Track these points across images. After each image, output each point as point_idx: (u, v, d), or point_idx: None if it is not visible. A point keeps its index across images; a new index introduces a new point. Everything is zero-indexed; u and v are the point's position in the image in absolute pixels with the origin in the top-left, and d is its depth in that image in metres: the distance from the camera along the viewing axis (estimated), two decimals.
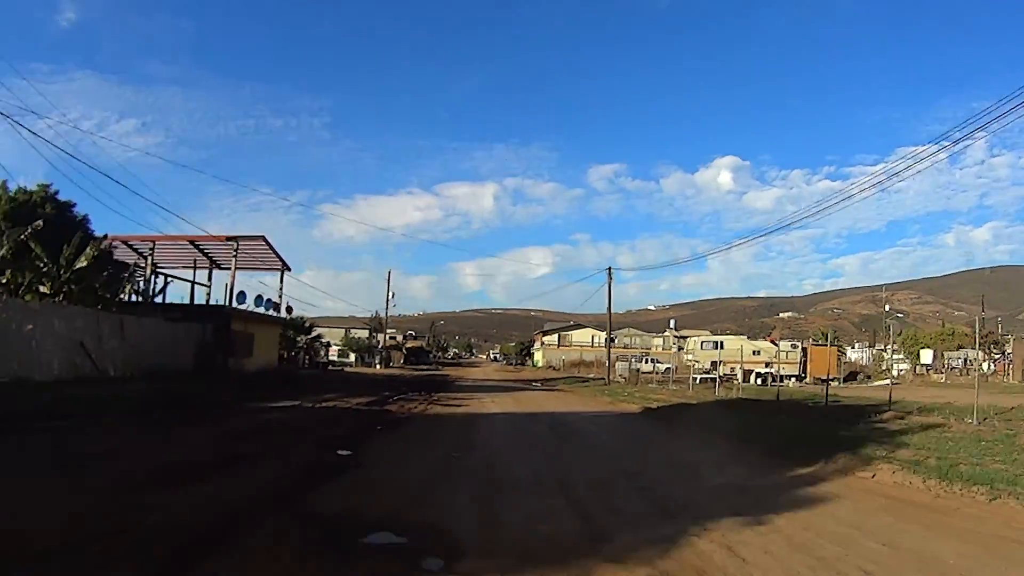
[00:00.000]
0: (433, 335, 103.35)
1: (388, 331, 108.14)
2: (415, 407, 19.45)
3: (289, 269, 40.35)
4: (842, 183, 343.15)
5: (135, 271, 29.23)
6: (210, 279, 39.85)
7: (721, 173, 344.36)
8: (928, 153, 18.44)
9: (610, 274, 39.53)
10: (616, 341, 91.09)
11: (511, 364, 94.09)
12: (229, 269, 41.51)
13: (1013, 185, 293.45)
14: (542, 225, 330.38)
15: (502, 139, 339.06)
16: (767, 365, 46.88)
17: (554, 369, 70.61)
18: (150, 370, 22.90)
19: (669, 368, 52.41)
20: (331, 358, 64.59)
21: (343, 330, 75.86)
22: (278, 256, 38.80)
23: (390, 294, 63.21)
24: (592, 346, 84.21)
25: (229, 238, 32.74)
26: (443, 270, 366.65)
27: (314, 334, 49.45)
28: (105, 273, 24.84)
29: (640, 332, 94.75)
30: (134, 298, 30.39)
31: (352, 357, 65.42)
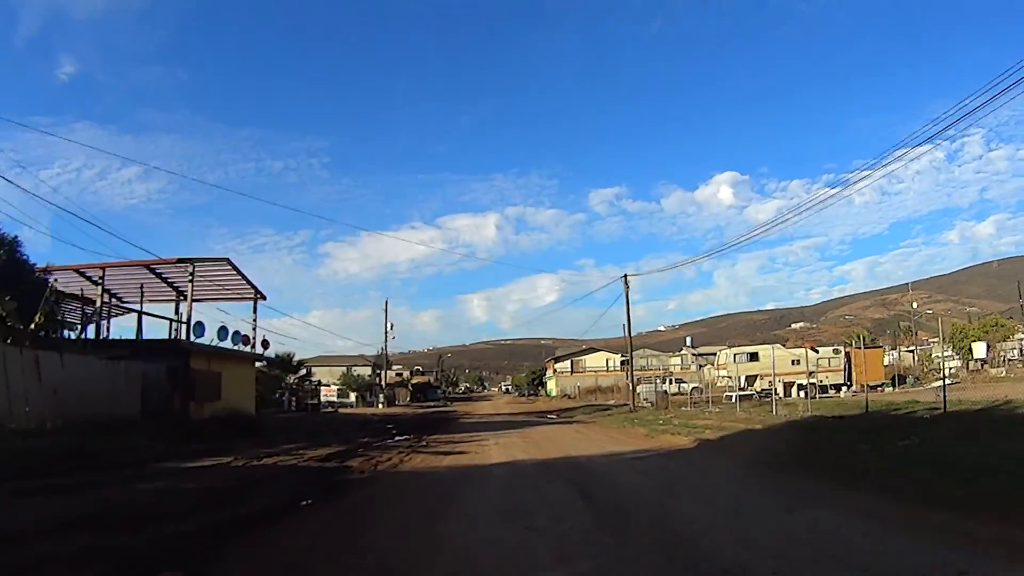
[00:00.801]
0: (441, 369, 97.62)
1: (394, 368, 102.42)
2: (389, 459, 13.86)
3: (263, 297, 35.08)
4: (841, 188, 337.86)
5: (60, 300, 23.84)
6: (177, 312, 34.69)
7: (721, 189, 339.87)
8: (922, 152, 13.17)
9: (626, 282, 34.22)
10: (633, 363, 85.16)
11: (523, 395, 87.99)
12: (197, 300, 36.62)
13: (1013, 177, 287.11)
14: (546, 252, 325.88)
15: (501, 169, 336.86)
16: (809, 375, 40.97)
17: (569, 398, 64.58)
18: (82, 419, 17.60)
19: (698, 387, 46.51)
20: (330, 398, 59.12)
21: (346, 368, 70.25)
22: (248, 283, 33.56)
23: (388, 325, 57.84)
24: (607, 370, 78.17)
25: (182, 260, 27.52)
26: (450, 303, 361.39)
27: (303, 372, 43.91)
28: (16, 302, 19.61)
29: (656, 352, 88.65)
30: (67, 334, 25.20)
31: (352, 397, 59.77)
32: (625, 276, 34.36)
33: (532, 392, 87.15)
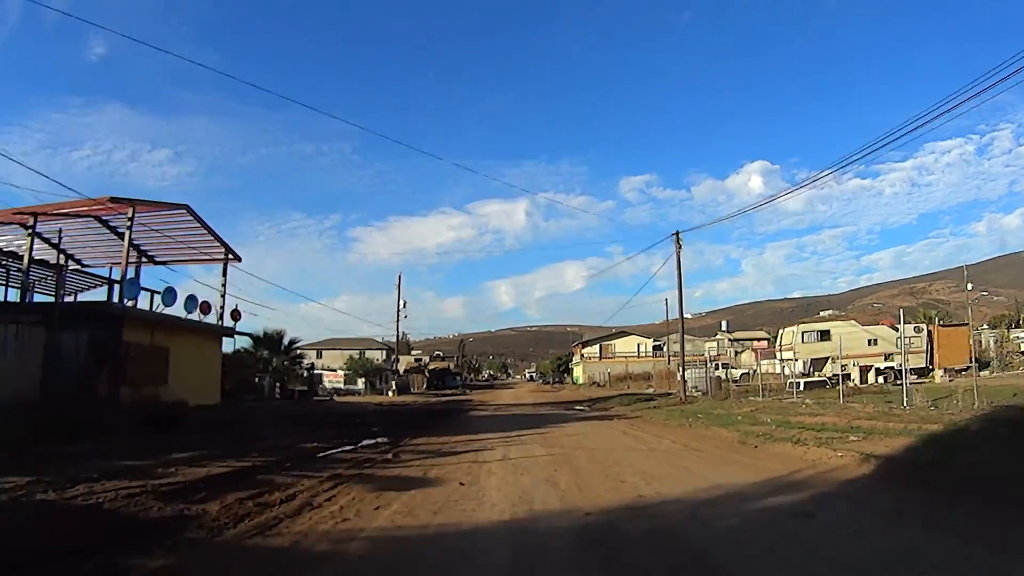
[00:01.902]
0: (462, 355, 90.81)
1: (414, 353, 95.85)
2: (275, 508, 6.76)
3: (237, 259, 28.42)
4: (872, 180, 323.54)
5: None
6: (137, 276, 28.19)
7: (752, 178, 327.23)
8: None
9: (678, 240, 26.68)
10: (664, 349, 77.17)
11: (548, 383, 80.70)
12: (165, 263, 30.11)
13: None
14: (575, 239, 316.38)
15: (532, 155, 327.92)
16: (886, 357, 32.99)
17: (599, 385, 57.17)
18: None
19: (747, 373, 38.83)
20: (335, 384, 52.62)
21: (358, 352, 63.62)
22: (216, 238, 26.84)
23: (401, 303, 50.92)
24: (639, 356, 70.49)
25: (116, 200, 20.77)
26: (477, 289, 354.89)
27: (296, 353, 37.19)
28: None
29: (691, 337, 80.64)
30: None
31: (360, 383, 53.16)
32: (677, 233, 26.88)
33: (558, 379, 79.78)
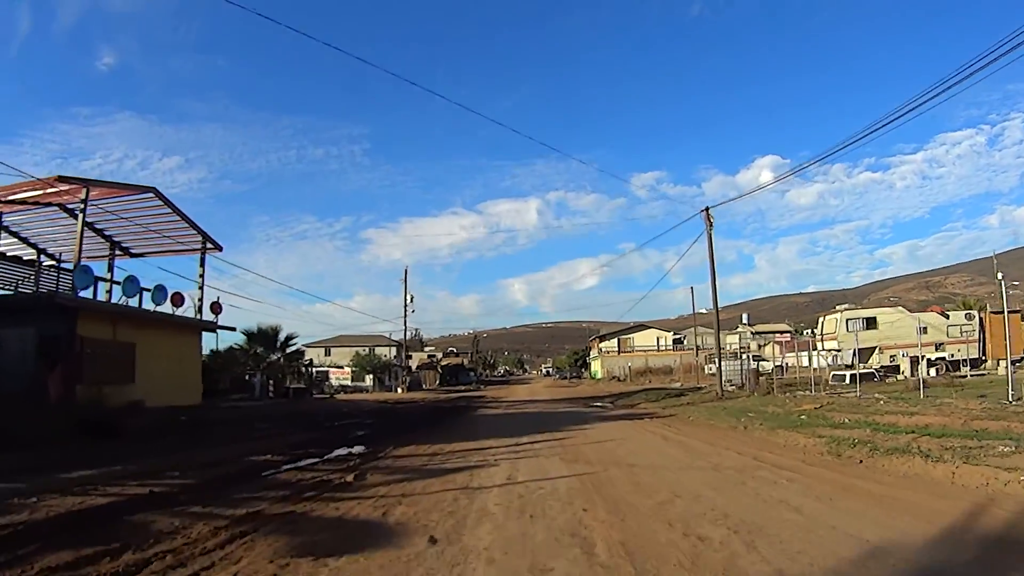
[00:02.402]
0: (476, 350, 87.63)
1: (427, 349, 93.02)
2: (148, 559, 3.70)
3: (217, 247, 25.64)
4: (883, 174, 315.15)
5: None
6: (111, 270, 25.58)
7: (762, 173, 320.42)
8: None
9: (708, 217, 23.34)
10: (685, 342, 73.48)
11: (565, 378, 77.40)
12: (142, 255, 27.42)
13: None
14: (587, 236, 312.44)
15: (542, 154, 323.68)
16: (937, 347, 29.33)
17: (619, 380, 53.81)
18: None
19: (779, 366, 35.28)
20: (343, 382, 49.91)
21: (368, 349, 60.85)
22: (191, 224, 24.08)
23: (408, 297, 47.96)
24: (659, 350, 67.02)
25: (63, 179, 17.96)
26: (491, 288, 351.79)
27: (293, 349, 34.38)
28: None
29: (710, 330, 76.99)
30: None
31: (368, 380, 50.37)
32: (707, 209, 23.54)
33: (575, 375, 76.48)
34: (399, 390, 48.23)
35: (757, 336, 73.14)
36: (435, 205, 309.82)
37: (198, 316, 24.85)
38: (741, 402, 19.21)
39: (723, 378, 27.09)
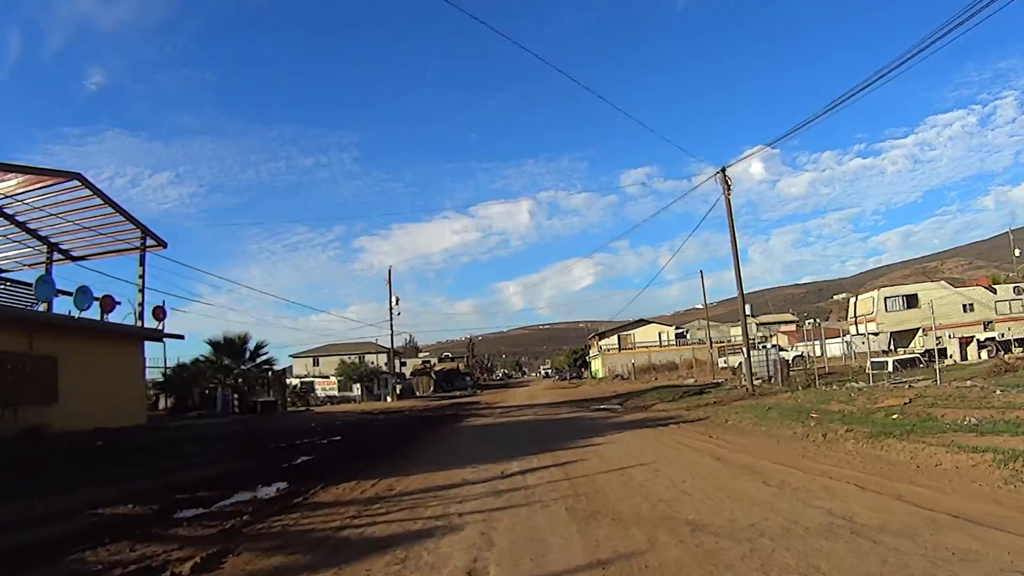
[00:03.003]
0: (471, 354, 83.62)
1: (421, 355, 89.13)
2: None
3: (160, 244, 22.12)
4: (873, 159, 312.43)
5: None
6: (49, 271, 22.16)
7: (752, 164, 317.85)
8: None
9: (726, 179, 19.61)
10: (688, 335, 69.83)
11: (565, 378, 73.60)
12: (83, 258, 23.98)
13: None
14: (579, 235, 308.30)
15: (532, 154, 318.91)
16: (986, 326, 25.67)
17: (623, 378, 50.07)
18: None
19: (801, 356, 31.68)
20: (329, 392, 46.11)
21: (358, 357, 57.02)
22: (130, 219, 20.61)
23: (394, 299, 44.23)
24: (660, 346, 63.34)
25: None
26: (486, 292, 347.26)
27: (264, 358, 30.57)
28: None
29: (715, 323, 73.49)
30: None
31: (357, 389, 46.54)
32: (723, 170, 19.88)
33: (575, 375, 72.67)
34: (388, 399, 44.44)
35: (762, 327, 69.68)
36: (426, 210, 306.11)
37: (138, 323, 21.14)
38: (782, 399, 15.54)
39: (754, 372, 23.49)
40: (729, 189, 19.94)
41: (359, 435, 16.52)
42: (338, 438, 15.85)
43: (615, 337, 64.24)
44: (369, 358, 57.13)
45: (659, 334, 64.35)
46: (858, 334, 26.06)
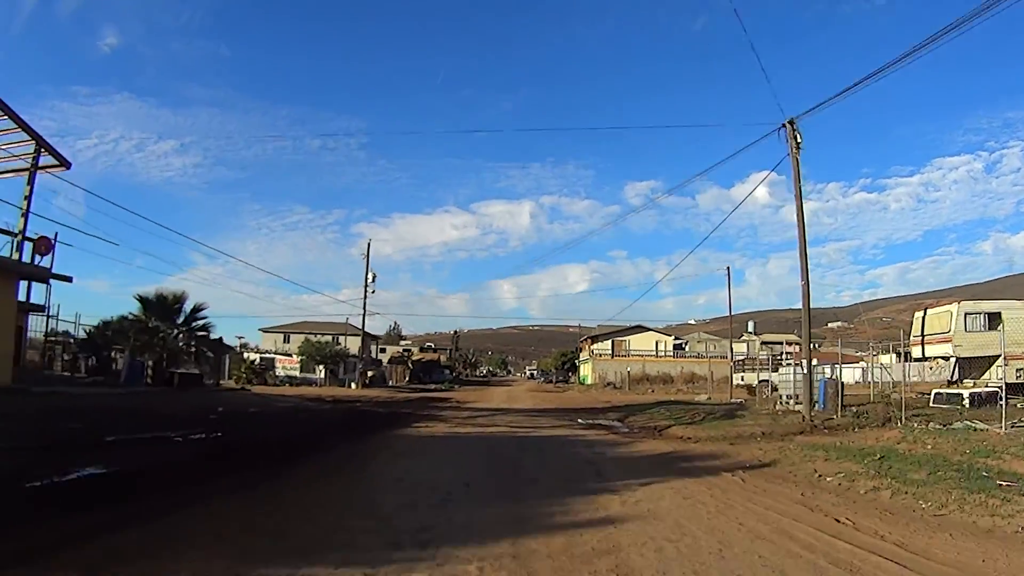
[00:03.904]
0: (456, 347, 77.94)
1: (403, 343, 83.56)
2: None
3: (64, 164, 17.01)
4: (878, 195, 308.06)
5: None
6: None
7: (757, 188, 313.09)
8: None
9: (793, 131, 14.26)
10: (687, 348, 64.52)
11: (551, 381, 68.23)
12: None
13: None
14: (579, 242, 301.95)
15: (538, 158, 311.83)
16: None
17: (614, 387, 44.62)
18: None
19: (831, 379, 26.41)
20: (290, 372, 40.54)
21: (332, 337, 51.46)
22: (22, 125, 15.29)
23: (369, 276, 38.81)
24: (656, 355, 58.02)
25: None
26: (480, 288, 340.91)
27: (201, 323, 25.13)
28: None
29: (716, 337, 68.35)
30: None
31: (320, 371, 40.96)
32: (791, 122, 14.54)
33: (561, 378, 67.33)
34: (353, 385, 38.97)
35: (765, 347, 64.54)
36: (428, 203, 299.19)
37: (15, 256, 15.72)
38: (882, 439, 10.22)
39: (792, 394, 18.21)
40: (799, 147, 14.56)
41: (250, 436, 11.12)
42: (216, 436, 10.47)
43: (609, 342, 58.88)
44: (346, 340, 51.67)
45: (656, 343, 59.06)
46: (924, 358, 20.75)
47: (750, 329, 73.16)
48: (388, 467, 8.05)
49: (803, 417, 13.93)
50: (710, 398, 26.28)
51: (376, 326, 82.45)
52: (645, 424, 15.71)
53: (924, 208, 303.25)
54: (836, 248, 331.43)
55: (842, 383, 17.19)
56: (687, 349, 61.51)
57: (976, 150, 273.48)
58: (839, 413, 15.09)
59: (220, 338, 29.92)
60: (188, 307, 25.63)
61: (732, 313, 39.84)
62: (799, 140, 14.58)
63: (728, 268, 37.92)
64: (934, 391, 19.04)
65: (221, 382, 28.96)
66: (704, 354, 61.34)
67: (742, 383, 28.65)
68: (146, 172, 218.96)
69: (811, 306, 17.10)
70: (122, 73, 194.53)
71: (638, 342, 58.85)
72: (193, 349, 25.06)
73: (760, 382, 27.69)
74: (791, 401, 18.42)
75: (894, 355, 30.88)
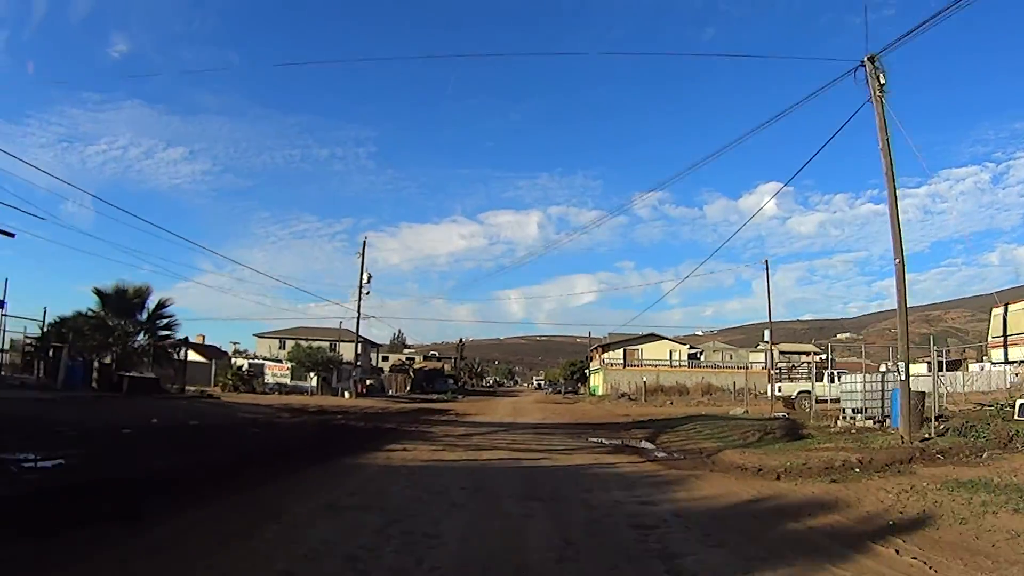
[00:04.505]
0: (460, 356, 74.23)
1: (407, 352, 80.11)
2: None
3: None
4: (885, 206, 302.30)
5: None
6: None
7: (764, 199, 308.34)
8: None
9: (876, 73, 10.97)
10: (702, 357, 60.71)
11: (559, 392, 64.47)
12: None
13: None
14: (586, 252, 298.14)
15: (546, 168, 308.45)
16: None
17: (630, 399, 40.93)
18: None
19: (871, 393, 22.79)
20: (280, 379, 37.32)
21: (328, 344, 48.14)
22: None
23: (365, 277, 35.55)
24: (671, 365, 54.29)
25: None
26: (487, 298, 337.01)
27: (165, 322, 21.92)
28: None
29: (731, 347, 64.60)
30: None
31: (312, 379, 37.58)
32: (872, 58, 11.13)
33: (570, 389, 63.55)
34: (346, 394, 35.62)
35: (784, 357, 60.62)
36: (436, 212, 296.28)
37: None
38: (1000, 465, 6.70)
39: (861, 408, 14.60)
40: (882, 89, 11.09)
41: (127, 466, 7.66)
42: (60, 465, 7.07)
43: (620, 351, 55.20)
44: (342, 347, 48.34)
45: (670, 352, 55.36)
46: (1007, 362, 17.12)
47: (767, 338, 69.22)
48: (289, 537, 4.59)
49: (901, 439, 10.31)
50: (747, 411, 22.64)
51: (381, 335, 79.23)
52: (684, 446, 12.19)
53: (931, 219, 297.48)
54: (843, 260, 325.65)
55: (923, 393, 13.54)
56: (703, 359, 57.72)
57: (983, 161, 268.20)
58: (932, 431, 11.47)
59: (185, 338, 26.56)
60: (152, 303, 22.47)
61: (743, 324, 36.29)
62: (882, 80, 11.09)
63: (766, 262, 34.40)
64: (1019, 402, 15.37)
65: (193, 388, 25.61)
66: (721, 364, 57.57)
67: (779, 394, 25.00)
68: (155, 179, 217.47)
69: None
70: (132, 80, 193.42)
71: (651, 351, 55.16)
72: (151, 350, 21.77)
73: (800, 392, 24.12)
74: (859, 416, 14.80)
75: (924, 364, 27.25)
